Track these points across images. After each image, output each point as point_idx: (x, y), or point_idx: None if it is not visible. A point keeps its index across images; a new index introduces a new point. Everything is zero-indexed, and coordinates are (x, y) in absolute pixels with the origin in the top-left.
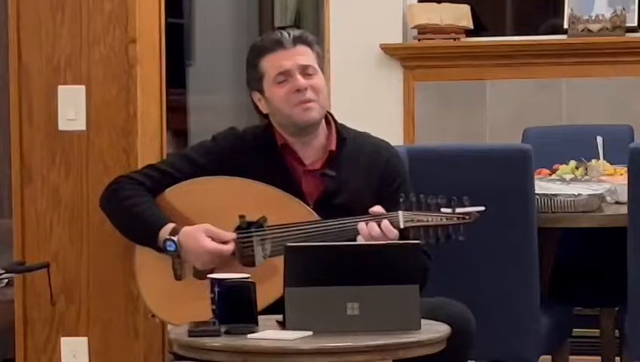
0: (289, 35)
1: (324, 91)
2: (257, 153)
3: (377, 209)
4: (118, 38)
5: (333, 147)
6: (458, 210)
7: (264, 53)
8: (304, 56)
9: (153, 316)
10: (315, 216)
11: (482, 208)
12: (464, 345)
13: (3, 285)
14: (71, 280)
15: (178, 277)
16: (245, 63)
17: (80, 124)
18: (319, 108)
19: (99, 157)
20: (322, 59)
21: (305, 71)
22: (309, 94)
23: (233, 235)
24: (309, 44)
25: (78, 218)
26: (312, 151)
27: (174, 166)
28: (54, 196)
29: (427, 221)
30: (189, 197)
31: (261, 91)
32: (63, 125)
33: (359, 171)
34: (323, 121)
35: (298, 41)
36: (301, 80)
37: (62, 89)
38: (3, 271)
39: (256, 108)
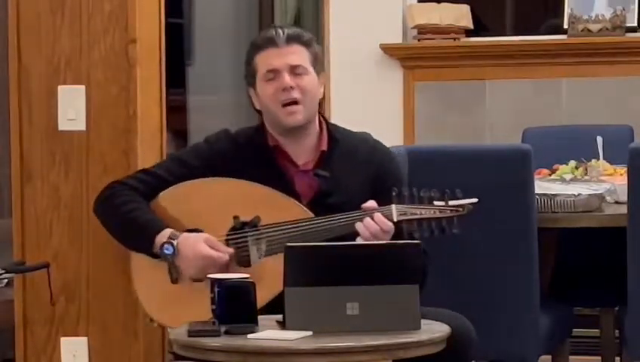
0: (283, 32)
1: (314, 92)
2: (249, 155)
3: (370, 204)
4: (118, 38)
5: (324, 147)
6: (451, 202)
7: (258, 50)
8: (295, 55)
9: (152, 321)
10: (309, 214)
11: (475, 200)
12: (463, 359)
13: (3, 285)
14: (71, 280)
15: (174, 280)
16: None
17: (80, 124)
18: (304, 111)
19: (99, 157)
20: (321, 60)
21: (294, 71)
22: (295, 94)
23: (230, 250)
24: (303, 44)
25: (78, 218)
26: (303, 152)
27: (167, 169)
28: (54, 196)
29: (421, 214)
30: (181, 200)
31: (254, 87)
32: (63, 125)
33: (352, 171)
34: (316, 121)
35: (292, 39)
36: (287, 79)
37: (62, 89)
38: (3, 271)
39: (252, 104)
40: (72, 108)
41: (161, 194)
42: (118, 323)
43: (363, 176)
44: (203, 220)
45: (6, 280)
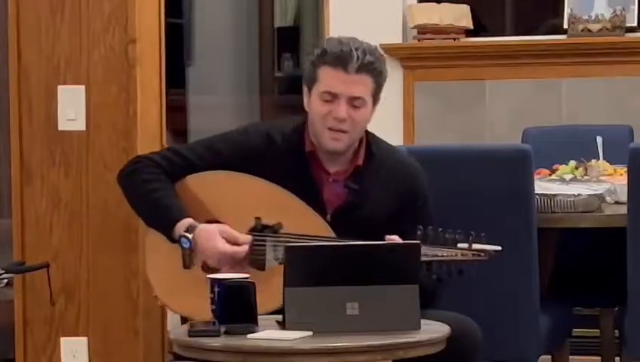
0: (358, 59)
1: (364, 124)
2: (283, 155)
3: (394, 238)
4: (118, 38)
5: (360, 162)
6: (474, 246)
7: (326, 62)
8: (360, 86)
9: (156, 297)
10: (331, 232)
11: (499, 248)
12: (470, 360)
13: (3, 285)
14: (71, 280)
15: (186, 266)
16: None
17: (80, 124)
18: (349, 140)
19: (99, 157)
20: (382, 88)
21: (353, 102)
22: (346, 126)
23: (248, 238)
24: (373, 74)
25: (78, 218)
26: (338, 163)
27: (197, 153)
28: (54, 196)
29: (442, 256)
30: (209, 188)
31: (310, 91)
32: (62, 125)
33: (381, 187)
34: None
35: (364, 69)
36: (343, 110)
37: (62, 89)
38: (3, 271)
39: (303, 101)
40: (72, 108)
41: (190, 177)
42: (118, 323)
43: (391, 192)
44: (225, 213)
45: (6, 280)
